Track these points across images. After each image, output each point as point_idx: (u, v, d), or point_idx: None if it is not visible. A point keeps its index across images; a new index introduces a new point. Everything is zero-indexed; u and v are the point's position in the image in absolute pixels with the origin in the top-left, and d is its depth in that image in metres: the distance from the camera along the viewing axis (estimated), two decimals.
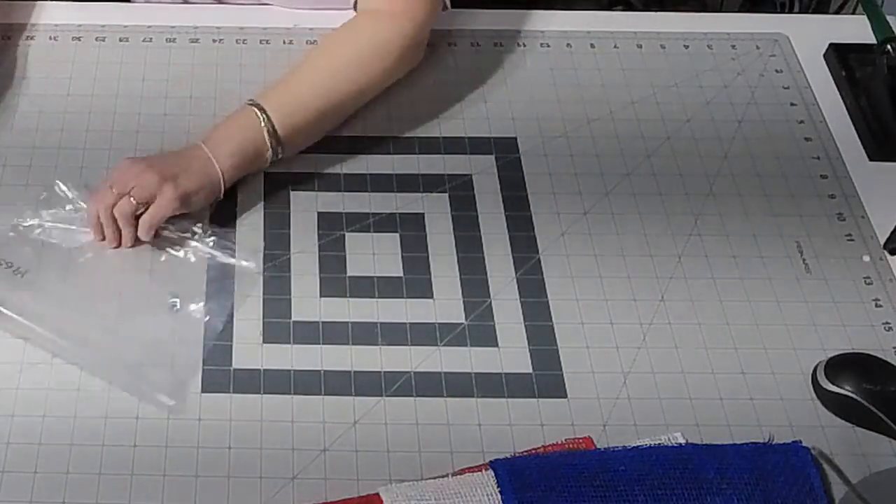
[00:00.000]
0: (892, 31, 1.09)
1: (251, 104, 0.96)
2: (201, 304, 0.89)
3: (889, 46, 1.07)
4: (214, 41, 1.12)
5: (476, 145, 1.03)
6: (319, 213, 0.97)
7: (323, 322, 0.89)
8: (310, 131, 0.99)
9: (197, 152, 0.94)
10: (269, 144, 0.95)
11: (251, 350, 0.88)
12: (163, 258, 0.93)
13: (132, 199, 0.90)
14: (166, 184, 0.90)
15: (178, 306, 0.89)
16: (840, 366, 0.85)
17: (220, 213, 0.96)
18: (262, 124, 0.94)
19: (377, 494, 0.78)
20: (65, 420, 0.83)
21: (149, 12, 1.15)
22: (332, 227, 0.96)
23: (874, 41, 1.09)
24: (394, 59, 1.01)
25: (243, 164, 0.95)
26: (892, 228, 0.95)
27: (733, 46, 1.13)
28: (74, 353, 0.86)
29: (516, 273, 0.93)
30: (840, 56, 1.10)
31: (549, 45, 1.13)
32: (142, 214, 0.91)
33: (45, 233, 0.93)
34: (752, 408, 0.85)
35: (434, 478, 0.80)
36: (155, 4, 1.15)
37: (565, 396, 0.85)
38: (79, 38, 1.12)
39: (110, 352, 0.86)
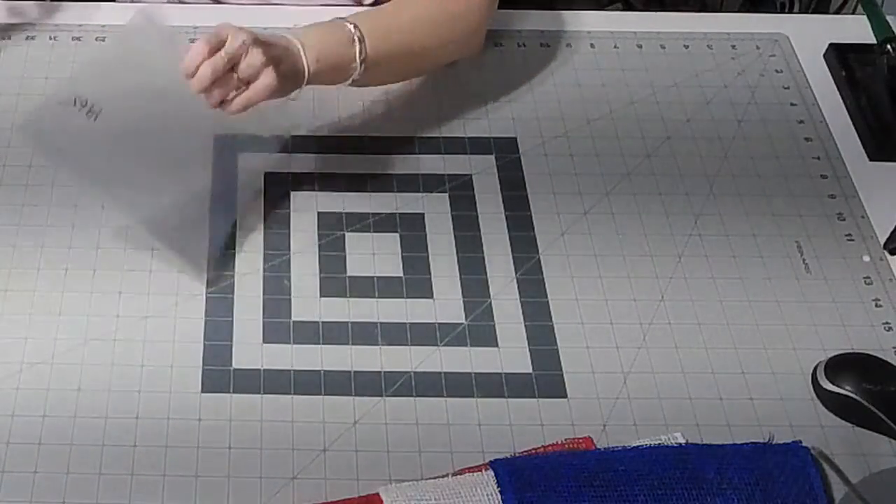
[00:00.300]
0: (892, 31, 1.09)
1: (344, 20, 0.94)
2: None
3: (889, 46, 1.07)
4: None
5: (476, 145, 1.03)
6: (319, 213, 0.97)
7: (323, 322, 0.89)
8: (392, 65, 0.98)
9: (288, 44, 0.90)
10: (357, 62, 0.93)
11: (251, 350, 0.88)
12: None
13: (236, 76, 0.86)
14: (269, 68, 0.87)
15: None
16: (840, 366, 0.85)
17: (220, 212, 0.96)
18: (356, 42, 0.93)
19: (377, 494, 0.78)
20: (65, 420, 0.83)
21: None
22: (332, 227, 0.96)
23: (874, 41, 1.09)
24: (472, 28, 1.02)
25: (324, 74, 0.92)
26: (892, 228, 0.95)
27: (733, 46, 1.13)
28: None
29: (516, 273, 0.93)
30: (840, 56, 1.10)
31: (548, 45, 1.13)
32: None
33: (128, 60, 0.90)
34: (752, 408, 0.85)
35: (434, 478, 0.80)
36: (155, 4, 1.15)
37: (565, 396, 0.85)
38: (79, 38, 1.12)
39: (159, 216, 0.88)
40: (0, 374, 0.86)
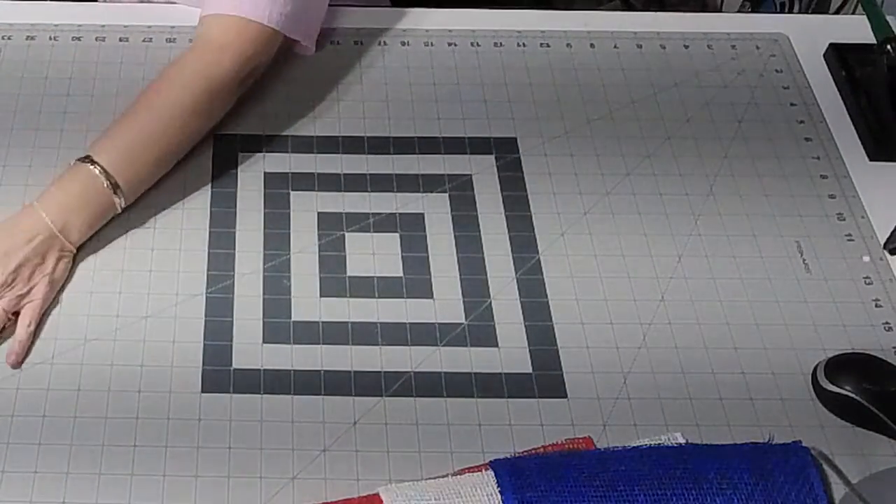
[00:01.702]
0: (892, 31, 1.09)
1: (83, 160, 0.92)
2: None
3: (889, 46, 1.06)
4: None
5: (476, 145, 1.03)
6: (319, 213, 0.97)
7: (323, 322, 0.89)
8: (147, 177, 0.95)
9: (45, 236, 0.89)
10: (118, 204, 0.93)
11: (251, 350, 0.88)
12: None
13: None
14: (38, 286, 0.88)
15: None
16: (840, 366, 0.85)
17: (220, 214, 0.96)
18: (111, 191, 0.91)
19: (377, 494, 0.78)
20: (65, 420, 0.83)
21: (149, 12, 1.15)
22: (332, 227, 0.96)
23: (874, 41, 1.09)
24: (224, 100, 0.99)
25: (91, 230, 0.93)
26: (892, 228, 0.95)
27: (733, 46, 1.13)
28: None
29: (516, 273, 0.93)
30: (840, 56, 1.10)
31: (549, 45, 1.13)
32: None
33: None
34: (752, 408, 0.85)
35: (434, 478, 0.80)
36: (154, 4, 1.15)
37: (565, 396, 0.85)
38: (79, 38, 1.12)
39: None
40: (0, 374, 0.86)
